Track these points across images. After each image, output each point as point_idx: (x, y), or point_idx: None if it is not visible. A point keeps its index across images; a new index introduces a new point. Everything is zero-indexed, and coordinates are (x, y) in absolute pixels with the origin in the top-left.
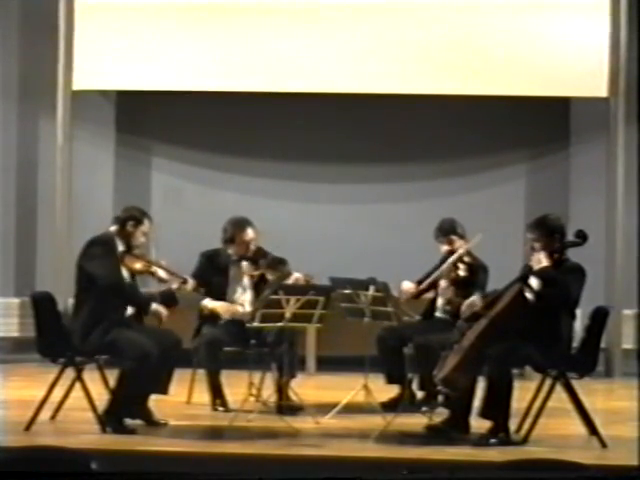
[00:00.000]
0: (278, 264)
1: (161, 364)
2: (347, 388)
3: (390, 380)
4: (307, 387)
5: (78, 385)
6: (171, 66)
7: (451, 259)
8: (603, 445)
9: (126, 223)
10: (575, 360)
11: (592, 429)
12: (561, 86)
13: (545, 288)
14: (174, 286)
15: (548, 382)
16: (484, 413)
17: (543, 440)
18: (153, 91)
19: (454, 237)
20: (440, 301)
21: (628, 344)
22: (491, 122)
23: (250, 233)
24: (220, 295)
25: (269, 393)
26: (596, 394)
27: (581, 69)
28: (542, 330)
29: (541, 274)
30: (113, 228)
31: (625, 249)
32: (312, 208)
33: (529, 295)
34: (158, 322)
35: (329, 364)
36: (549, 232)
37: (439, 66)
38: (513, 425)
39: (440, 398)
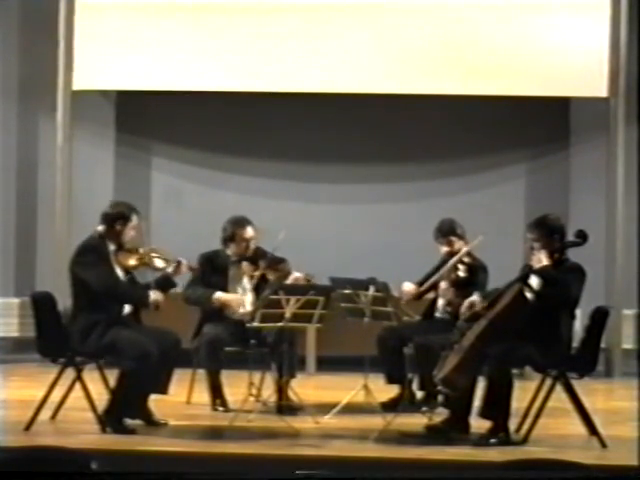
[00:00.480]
0: (278, 264)
1: (161, 364)
2: (347, 388)
3: (390, 380)
4: (307, 387)
5: (78, 385)
6: (171, 66)
7: (451, 261)
8: (603, 445)
9: (114, 223)
10: (575, 360)
11: (592, 429)
12: (561, 86)
13: (545, 287)
14: (169, 270)
15: (548, 382)
16: (484, 413)
17: (543, 440)
18: (153, 91)
19: (453, 238)
20: (440, 302)
21: (628, 344)
22: (491, 122)
23: (250, 231)
24: None
25: (269, 393)
26: (596, 394)
27: (581, 69)
28: (542, 330)
29: (542, 273)
30: (101, 228)
31: (625, 249)
32: (312, 208)
33: (529, 295)
34: (155, 308)
35: (329, 364)
36: (549, 232)
37: (439, 66)
38: (513, 425)
39: (440, 398)
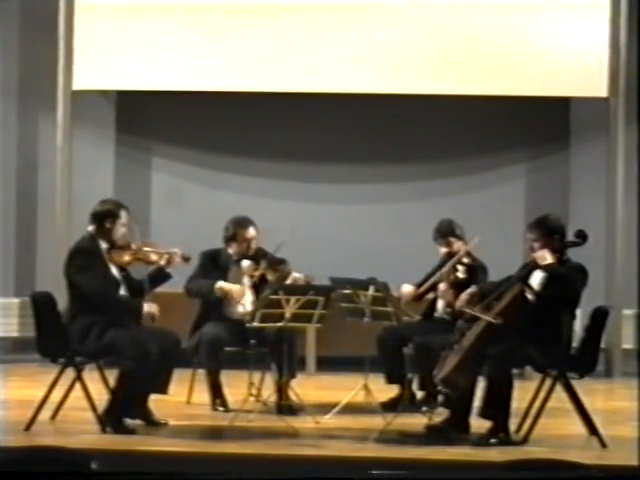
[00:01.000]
0: (278, 264)
1: (161, 364)
2: (347, 388)
3: (390, 380)
4: (307, 387)
5: (78, 385)
6: (171, 66)
7: (450, 262)
8: (603, 445)
9: (104, 221)
10: (575, 360)
11: (592, 429)
12: (561, 86)
13: (550, 285)
14: (162, 263)
15: (548, 382)
16: (484, 413)
17: (543, 440)
18: (153, 91)
19: (452, 239)
20: (440, 303)
21: (628, 344)
22: (491, 122)
23: (252, 232)
24: None
25: (269, 393)
26: (596, 394)
27: (581, 69)
28: (542, 330)
29: (548, 270)
30: (91, 228)
31: (625, 249)
32: (312, 208)
33: (530, 295)
34: (151, 321)
35: (329, 364)
36: (549, 232)
37: (439, 66)
38: (513, 425)
39: (440, 398)
